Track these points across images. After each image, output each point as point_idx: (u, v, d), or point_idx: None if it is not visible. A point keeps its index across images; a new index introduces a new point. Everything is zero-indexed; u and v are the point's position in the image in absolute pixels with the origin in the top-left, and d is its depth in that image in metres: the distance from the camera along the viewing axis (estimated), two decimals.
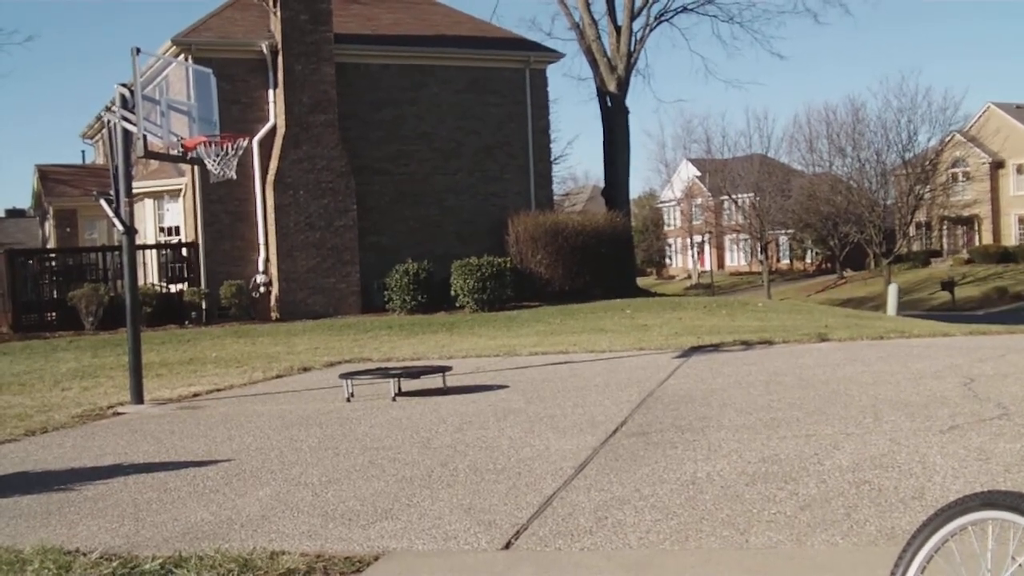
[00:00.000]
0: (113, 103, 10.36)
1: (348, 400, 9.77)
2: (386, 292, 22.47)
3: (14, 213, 54.80)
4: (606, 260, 24.44)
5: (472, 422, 8.12)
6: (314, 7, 22.65)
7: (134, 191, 12.11)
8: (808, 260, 68.65)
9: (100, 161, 31.99)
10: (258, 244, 22.88)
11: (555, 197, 33.00)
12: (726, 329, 16.14)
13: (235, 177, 10.91)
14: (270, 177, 22.68)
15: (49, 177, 32.27)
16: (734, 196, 61.67)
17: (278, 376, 12.47)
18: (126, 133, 10.26)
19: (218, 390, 11.29)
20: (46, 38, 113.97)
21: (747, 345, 13.24)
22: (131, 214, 10.51)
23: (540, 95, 26.03)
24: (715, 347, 13.14)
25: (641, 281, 41.06)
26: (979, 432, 6.50)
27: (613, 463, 6.24)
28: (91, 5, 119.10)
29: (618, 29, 32.21)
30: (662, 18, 33.67)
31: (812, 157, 60.00)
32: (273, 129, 22.91)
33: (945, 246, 62.72)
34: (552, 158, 28.33)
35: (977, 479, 5.30)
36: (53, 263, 23.31)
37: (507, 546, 4.65)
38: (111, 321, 20.17)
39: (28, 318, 21.46)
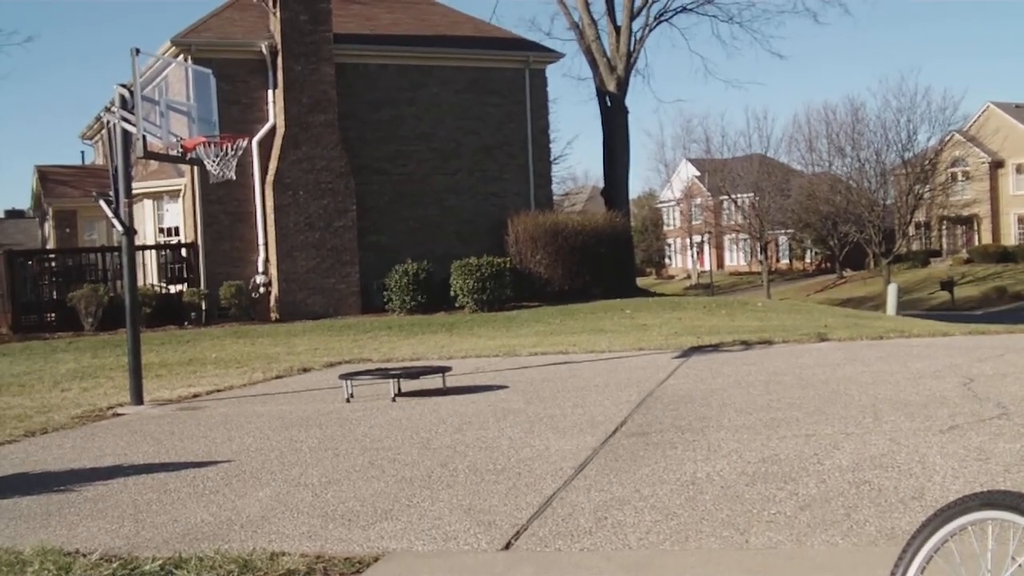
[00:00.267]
0: (113, 104, 10.35)
1: (348, 401, 9.77)
2: (386, 292, 22.46)
3: (13, 214, 54.79)
4: (606, 260, 24.44)
5: (472, 422, 8.12)
6: (313, 7, 22.65)
7: (134, 192, 12.12)
8: (808, 260, 68.66)
9: (100, 162, 31.99)
10: (258, 244, 22.88)
11: (555, 197, 33.02)
12: (726, 329, 16.14)
13: (234, 177, 10.92)
14: (270, 177, 22.68)
15: (49, 178, 32.27)
16: (734, 196, 61.68)
17: (278, 377, 12.47)
18: (126, 133, 10.26)
19: (218, 391, 11.29)
20: (46, 38, 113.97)
21: (747, 345, 13.25)
22: (130, 215, 10.51)
23: (540, 95, 26.04)
24: (715, 347, 13.14)
25: (641, 281, 41.06)
26: (979, 432, 6.50)
27: (613, 463, 6.24)
28: (91, 5, 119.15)
29: (617, 29, 32.21)
30: (661, 18, 33.69)
31: (812, 157, 60.12)
32: (273, 129, 22.91)
33: (944, 246, 62.73)
34: (552, 158, 28.34)
35: (977, 479, 5.30)
36: (53, 264, 23.32)
37: (507, 546, 4.65)
38: (111, 322, 20.17)
39: (28, 319, 21.46)
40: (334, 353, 15.06)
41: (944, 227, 62.45)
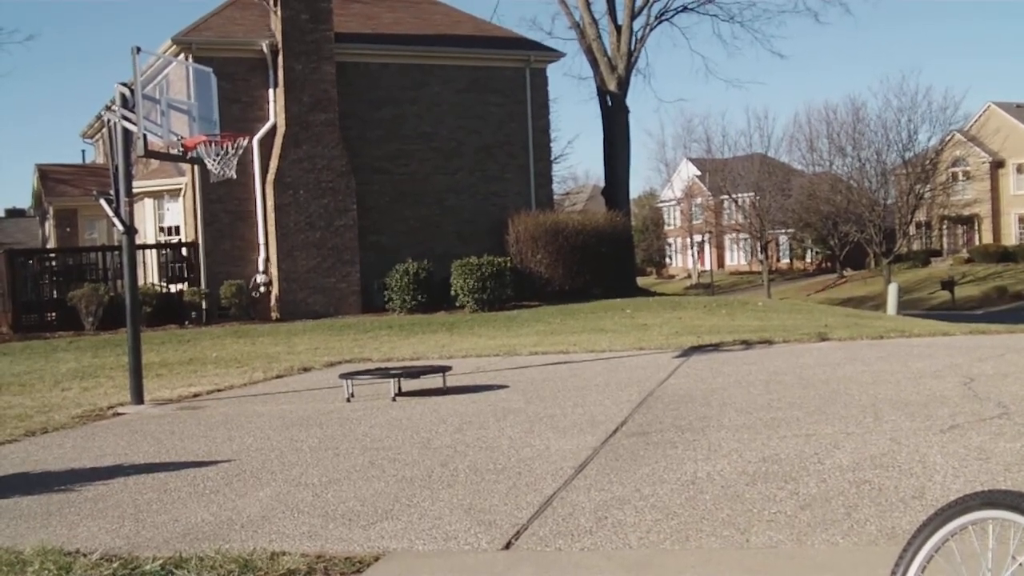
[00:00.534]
0: (113, 102, 10.35)
1: (348, 400, 9.77)
2: (386, 292, 22.47)
3: (14, 213, 54.81)
4: (606, 260, 24.44)
5: (472, 422, 8.12)
6: (314, 6, 22.65)
7: (134, 191, 12.11)
8: (808, 259, 68.65)
9: (100, 161, 31.99)
10: (258, 244, 22.88)
11: (555, 197, 32.99)
12: (726, 329, 16.14)
13: (235, 176, 10.91)
14: (270, 177, 22.68)
15: (49, 177, 32.26)
16: (734, 195, 61.67)
17: (278, 376, 12.47)
18: (126, 132, 10.26)
19: (218, 390, 11.29)
20: (46, 38, 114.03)
21: (747, 344, 13.24)
22: (131, 214, 10.50)
23: (540, 94, 26.03)
24: (715, 347, 13.14)
25: (641, 281, 41.06)
26: (979, 431, 6.50)
27: (613, 463, 6.24)
28: (91, 4, 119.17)
29: (618, 28, 32.20)
30: (662, 17, 33.68)
31: (812, 156, 60.09)
32: (273, 128, 22.91)
33: (945, 245, 62.71)
34: (552, 157, 28.34)
35: (977, 478, 5.30)
36: (53, 263, 23.31)
37: (507, 546, 4.65)
38: (111, 321, 20.17)
39: (28, 318, 21.45)
40: (334, 352, 15.06)
41: (945, 227, 62.43)
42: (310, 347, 16.25)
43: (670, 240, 77.82)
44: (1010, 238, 60.75)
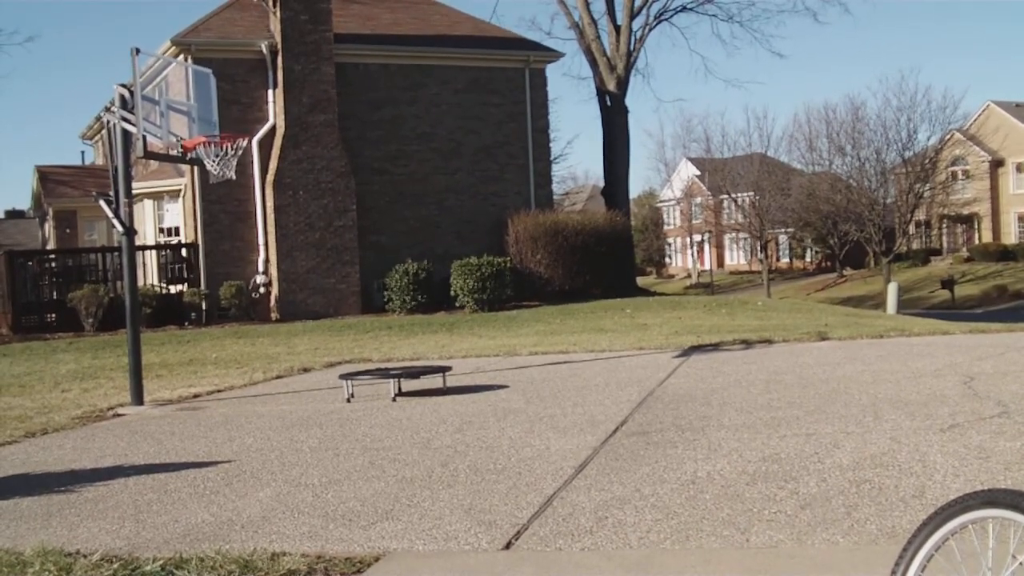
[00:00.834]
0: (113, 103, 10.35)
1: (348, 401, 9.77)
2: (386, 292, 22.47)
3: (14, 214, 54.77)
4: (606, 259, 24.44)
5: (472, 422, 8.12)
6: (314, 7, 22.65)
7: (134, 192, 12.11)
8: (808, 259, 68.65)
9: (100, 162, 31.99)
10: (258, 244, 22.88)
11: (555, 197, 33.01)
12: (726, 328, 16.14)
13: (234, 177, 10.91)
14: (270, 177, 22.68)
15: (49, 178, 32.27)
16: (734, 195, 61.67)
17: (278, 377, 12.47)
18: (126, 133, 10.26)
19: (218, 391, 11.29)
20: (46, 39, 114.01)
21: (747, 344, 13.24)
22: (131, 215, 10.50)
23: (540, 95, 26.03)
24: (715, 346, 13.14)
25: (641, 280, 41.06)
26: (979, 430, 6.50)
27: (613, 463, 6.24)
28: (91, 5, 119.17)
29: (617, 28, 32.21)
30: (662, 17, 33.69)
31: (812, 156, 60.11)
32: (273, 129, 22.91)
33: (945, 244, 62.71)
34: (552, 158, 28.33)
35: (977, 477, 5.30)
36: (53, 264, 23.31)
37: (507, 546, 4.65)
38: (111, 322, 20.17)
39: (28, 319, 21.45)
40: (334, 353, 15.06)
41: (944, 226, 62.42)
42: (310, 348, 16.25)
43: (670, 240, 77.83)
44: (1010, 237, 60.74)
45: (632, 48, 32.14)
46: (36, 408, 10.37)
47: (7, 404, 10.87)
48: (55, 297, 22.00)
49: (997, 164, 61.48)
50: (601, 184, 34.50)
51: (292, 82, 22.56)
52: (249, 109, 22.73)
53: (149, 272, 23.22)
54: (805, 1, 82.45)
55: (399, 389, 9.98)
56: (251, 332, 19.41)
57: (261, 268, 22.79)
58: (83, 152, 37.38)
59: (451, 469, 6.33)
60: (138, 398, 10.17)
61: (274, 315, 22.30)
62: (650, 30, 33.10)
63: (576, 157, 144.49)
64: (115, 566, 4.48)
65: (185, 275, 22.81)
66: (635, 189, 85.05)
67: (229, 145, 10.46)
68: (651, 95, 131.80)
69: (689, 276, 70.52)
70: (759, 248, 60.96)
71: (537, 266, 23.66)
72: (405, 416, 8.71)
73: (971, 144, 60.15)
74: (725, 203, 66.17)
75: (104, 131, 19.59)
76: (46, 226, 33.21)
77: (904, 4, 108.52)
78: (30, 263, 22.90)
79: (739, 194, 60.84)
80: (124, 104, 10.11)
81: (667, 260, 78.91)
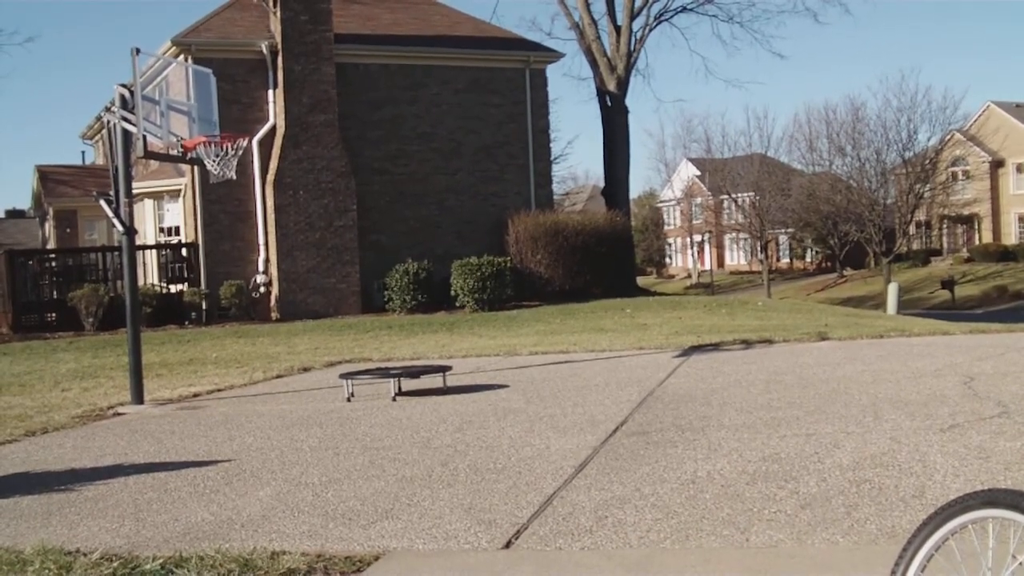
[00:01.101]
0: (113, 103, 10.35)
1: (348, 400, 9.77)
2: (386, 292, 22.48)
3: (14, 214, 54.80)
4: (606, 260, 24.44)
5: (472, 422, 8.12)
6: (314, 7, 22.66)
7: (134, 191, 12.11)
8: (808, 259, 68.65)
9: (100, 161, 32.00)
10: (258, 244, 22.88)
11: (555, 197, 33.01)
12: (726, 328, 16.14)
13: (235, 177, 10.91)
14: (270, 177, 22.69)
15: (49, 178, 32.28)
16: (734, 195, 61.66)
17: (278, 376, 12.47)
18: (126, 133, 10.26)
19: (218, 390, 11.29)
20: (46, 39, 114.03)
21: (747, 344, 13.24)
22: (131, 214, 10.50)
23: (540, 95, 26.03)
24: (715, 346, 13.14)
25: (641, 280, 41.06)
26: (979, 430, 6.49)
27: (613, 462, 6.24)
28: (91, 5, 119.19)
29: (618, 29, 32.21)
30: (662, 18, 33.69)
31: (812, 156, 60.09)
32: (273, 129, 22.91)
33: (945, 245, 62.70)
34: (552, 158, 28.34)
35: (977, 477, 5.30)
36: (53, 264, 23.32)
37: (507, 545, 4.65)
38: (111, 321, 20.17)
39: (28, 319, 21.46)
40: (334, 352, 15.07)
41: (944, 226, 62.42)
42: (310, 347, 16.25)
43: (670, 240, 77.84)
44: (1010, 237, 60.73)
45: (632, 48, 32.14)
46: (36, 407, 10.37)
47: (7, 403, 10.87)
48: (55, 296, 22.02)
49: (997, 164, 61.47)
50: (601, 184, 34.51)
51: (292, 82, 22.56)
52: (249, 109, 22.74)
53: (149, 272, 23.23)
54: (805, 1, 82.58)
55: (399, 388, 9.98)
56: (251, 332, 19.42)
57: (261, 268, 22.79)
58: (83, 152, 37.43)
59: (451, 468, 6.33)
60: (138, 397, 10.17)
61: (274, 315, 22.31)
62: (650, 30, 33.14)
63: (576, 157, 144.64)
64: (115, 564, 4.48)
65: (185, 275, 22.81)
66: (635, 189, 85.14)
67: (229, 145, 10.46)
68: (651, 95, 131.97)
69: (689, 276, 70.52)
70: (759, 248, 60.96)
71: (537, 266, 23.66)
72: (405, 415, 8.71)
73: (971, 144, 60.14)
74: (725, 203, 66.17)
75: (104, 131, 19.59)
76: (46, 226, 33.22)
77: (904, 4, 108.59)
78: (30, 262, 22.91)
79: (739, 194, 60.84)
80: (124, 104, 10.11)
81: (667, 260, 78.92)
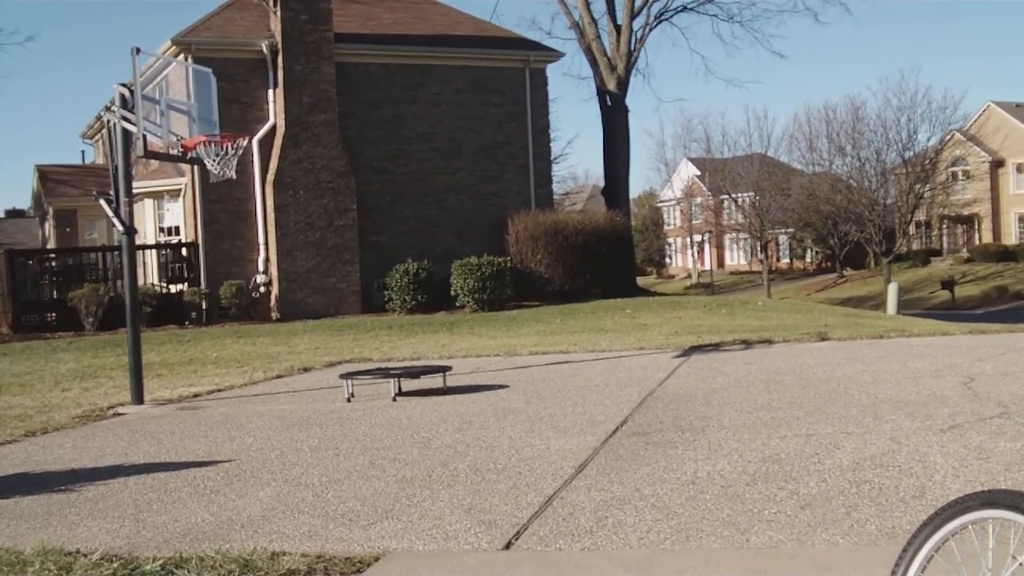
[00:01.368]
0: (113, 103, 10.35)
1: (348, 400, 9.77)
2: (386, 292, 22.48)
3: (14, 213, 54.79)
4: (606, 259, 24.44)
5: (472, 422, 8.12)
6: (314, 7, 22.66)
7: (134, 191, 12.10)
8: (808, 259, 68.64)
9: (100, 161, 31.99)
10: (258, 244, 22.88)
11: (555, 196, 33.00)
12: (726, 328, 16.14)
13: (235, 177, 10.91)
14: (270, 177, 22.68)
15: (49, 177, 32.27)
16: (734, 195, 61.66)
17: (278, 376, 12.47)
18: (126, 133, 10.26)
19: (218, 390, 11.29)
20: (46, 38, 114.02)
21: (747, 344, 13.24)
22: (131, 214, 10.50)
23: (540, 94, 26.03)
24: (715, 346, 13.14)
25: (641, 280, 41.06)
26: (979, 431, 6.49)
27: (613, 463, 6.24)
28: (91, 5, 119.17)
29: (618, 28, 32.21)
30: (662, 17, 33.69)
31: (812, 156, 60.08)
32: (273, 129, 22.91)
33: (945, 245, 62.70)
34: (552, 157, 28.34)
35: (977, 478, 5.30)
36: (53, 263, 23.31)
37: (507, 546, 4.65)
38: (111, 321, 20.17)
39: (28, 318, 21.45)
40: (335, 352, 15.06)
41: (944, 226, 62.41)
42: (310, 347, 16.25)
43: (670, 240, 77.83)
44: (1010, 237, 60.73)
45: (632, 48, 32.14)
46: (36, 407, 10.37)
47: (7, 403, 10.87)
48: (55, 296, 22.01)
49: (997, 164, 61.47)
50: (601, 184, 34.51)
51: (292, 82, 22.56)
52: (249, 109, 22.73)
53: (149, 271, 23.23)
54: (805, 1, 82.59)
55: (399, 389, 9.98)
56: (251, 331, 19.41)
57: (261, 267, 22.79)
58: (83, 151, 37.43)
59: (451, 469, 6.33)
60: (138, 397, 10.17)
61: (274, 314, 22.31)
62: (650, 30, 33.13)
63: (576, 157, 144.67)
64: (115, 565, 4.48)
65: (185, 274, 22.81)
66: (635, 189, 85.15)
67: (229, 144, 10.46)
68: (651, 95, 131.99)
69: (689, 276, 70.52)
70: (759, 248, 60.96)
71: (537, 266, 23.66)
72: (405, 416, 8.71)
73: (971, 144, 60.14)
74: (725, 203, 66.16)
75: (104, 130, 19.59)
76: (46, 225, 33.21)
77: (904, 4, 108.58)
78: (30, 262, 22.91)
79: (739, 194, 60.84)
80: (124, 103, 10.11)
81: (667, 260, 78.91)
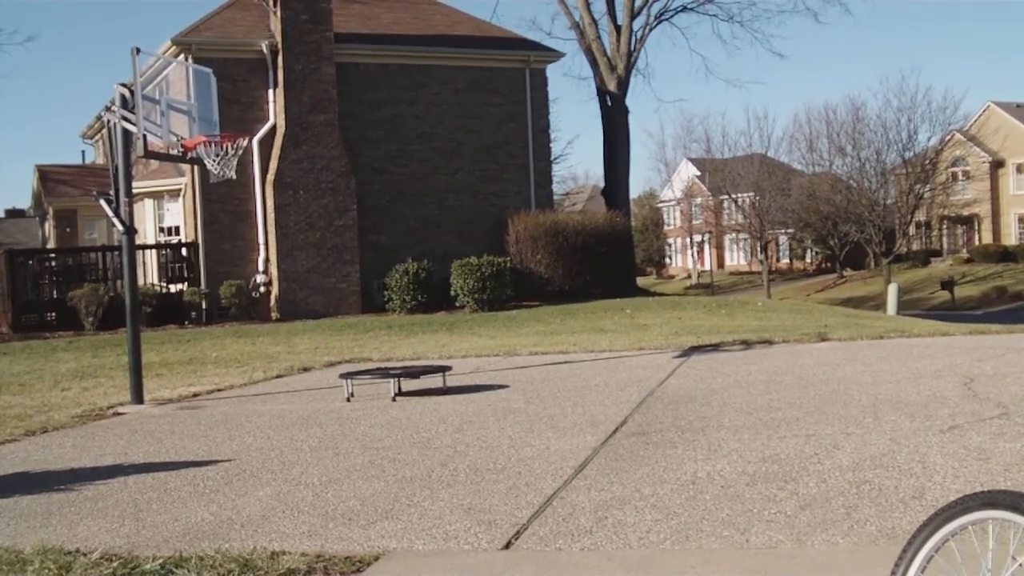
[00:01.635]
0: (113, 103, 10.35)
1: (348, 400, 9.77)
2: (386, 292, 22.48)
3: (14, 213, 54.78)
4: (606, 260, 24.44)
5: (472, 422, 8.12)
6: (314, 7, 22.66)
7: (134, 191, 12.11)
8: (808, 259, 68.64)
9: (100, 161, 31.99)
10: (258, 244, 22.88)
11: (555, 197, 33.00)
12: (726, 329, 16.14)
13: (235, 177, 10.91)
14: (270, 177, 22.69)
15: (49, 177, 32.27)
16: (734, 196, 61.65)
17: (278, 376, 12.47)
18: (126, 133, 10.26)
19: (218, 390, 11.29)
20: (46, 38, 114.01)
21: (747, 345, 13.24)
22: (131, 214, 10.50)
23: (540, 95, 26.04)
24: (715, 347, 13.14)
25: (641, 281, 41.07)
26: (979, 432, 6.50)
27: (613, 463, 6.24)
28: (91, 5, 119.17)
29: (618, 28, 32.21)
30: (662, 17, 33.69)
31: (812, 156, 60.08)
32: (273, 129, 22.91)
33: (945, 245, 62.70)
34: (552, 158, 28.34)
35: (977, 479, 5.30)
36: (53, 263, 23.31)
37: (507, 546, 4.65)
38: (111, 321, 20.17)
39: (28, 318, 21.45)
40: (334, 352, 15.06)
41: (944, 227, 62.40)
42: (310, 347, 16.25)
43: (670, 240, 77.82)
44: (1010, 238, 60.73)
45: (632, 48, 32.14)
46: (36, 407, 10.37)
47: (7, 402, 10.87)
48: (55, 296, 22.01)
49: (997, 165, 61.47)
50: (601, 184, 34.51)
51: (292, 82, 22.57)
52: (249, 109, 22.73)
53: (149, 271, 23.23)
54: (806, 1, 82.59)
55: (399, 389, 9.98)
56: (251, 331, 19.41)
57: (261, 267, 22.79)
58: (83, 151, 37.43)
59: (451, 469, 6.33)
60: (138, 397, 10.17)
61: (274, 314, 22.31)
62: (650, 30, 33.13)
63: (576, 157, 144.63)
64: (115, 564, 4.48)
65: (185, 274, 22.81)
66: (635, 189, 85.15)
67: (229, 144, 10.46)
68: (651, 95, 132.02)
69: (689, 276, 70.52)
70: (759, 249, 60.95)
71: (537, 266, 23.66)
72: (405, 416, 8.71)
73: (971, 145, 60.14)
74: (725, 203, 66.14)
75: (104, 130, 19.59)
76: (46, 225, 33.21)
77: (904, 4, 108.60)
78: (30, 262, 22.90)
79: (739, 194, 60.83)
80: (124, 103, 10.11)
81: (667, 260, 78.91)
